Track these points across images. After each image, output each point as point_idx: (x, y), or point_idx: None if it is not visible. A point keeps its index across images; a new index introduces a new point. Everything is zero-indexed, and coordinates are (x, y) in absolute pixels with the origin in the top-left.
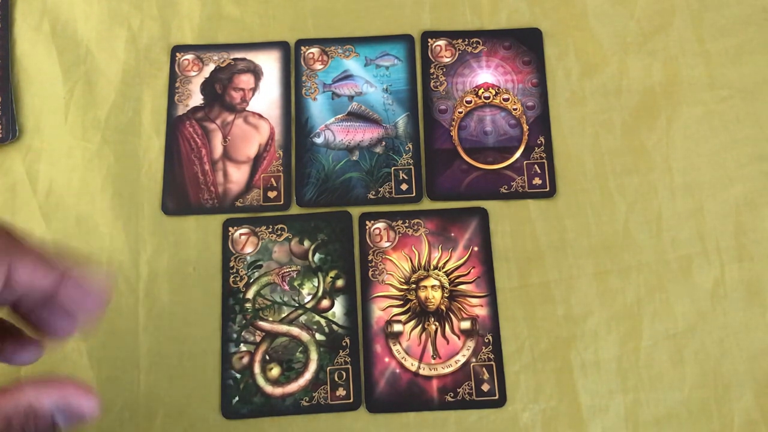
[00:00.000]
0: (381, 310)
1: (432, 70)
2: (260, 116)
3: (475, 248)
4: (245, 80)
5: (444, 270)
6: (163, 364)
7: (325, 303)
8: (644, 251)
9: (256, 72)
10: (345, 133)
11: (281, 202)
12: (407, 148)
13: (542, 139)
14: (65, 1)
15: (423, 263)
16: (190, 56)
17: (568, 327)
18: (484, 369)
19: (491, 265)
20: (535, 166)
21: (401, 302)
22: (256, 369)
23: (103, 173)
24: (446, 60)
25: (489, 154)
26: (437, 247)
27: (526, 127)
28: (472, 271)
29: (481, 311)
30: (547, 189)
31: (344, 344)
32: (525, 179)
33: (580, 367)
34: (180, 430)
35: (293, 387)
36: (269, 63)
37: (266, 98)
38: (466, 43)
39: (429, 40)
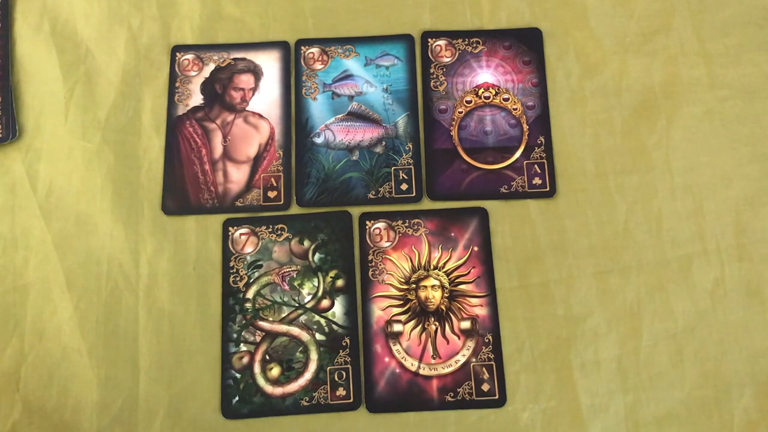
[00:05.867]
0: (381, 310)
1: (432, 70)
2: (260, 116)
3: (475, 248)
4: (245, 80)
5: (444, 270)
6: (163, 364)
7: (325, 303)
8: (644, 251)
9: (256, 72)
10: (345, 133)
11: (281, 202)
12: (407, 148)
13: (542, 139)
14: (65, 1)
15: (423, 263)
16: (190, 56)
17: (568, 327)
18: (484, 369)
19: (491, 265)
20: (535, 166)
21: (401, 302)
22: (256, 369)
23: (103, 173)
24: (446, 60)
25: (489, 154)
26: (437, 247)
27: (526, 127)
28: (472, 271)
29: (481, 311)
30: (547, 189)
31: (344, 344)
32: (525, 179)
33: (580, 367)
34: (180, 430)
35: (293, 387)
36: (269, 63)
37: (266, 98)
38: (466, 43)
39: (429, 40)
